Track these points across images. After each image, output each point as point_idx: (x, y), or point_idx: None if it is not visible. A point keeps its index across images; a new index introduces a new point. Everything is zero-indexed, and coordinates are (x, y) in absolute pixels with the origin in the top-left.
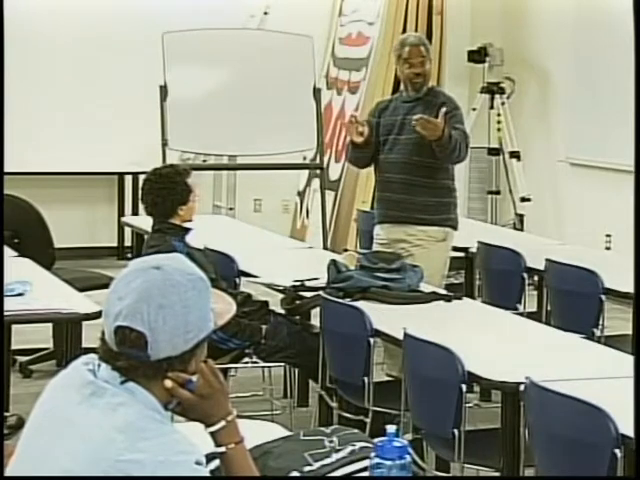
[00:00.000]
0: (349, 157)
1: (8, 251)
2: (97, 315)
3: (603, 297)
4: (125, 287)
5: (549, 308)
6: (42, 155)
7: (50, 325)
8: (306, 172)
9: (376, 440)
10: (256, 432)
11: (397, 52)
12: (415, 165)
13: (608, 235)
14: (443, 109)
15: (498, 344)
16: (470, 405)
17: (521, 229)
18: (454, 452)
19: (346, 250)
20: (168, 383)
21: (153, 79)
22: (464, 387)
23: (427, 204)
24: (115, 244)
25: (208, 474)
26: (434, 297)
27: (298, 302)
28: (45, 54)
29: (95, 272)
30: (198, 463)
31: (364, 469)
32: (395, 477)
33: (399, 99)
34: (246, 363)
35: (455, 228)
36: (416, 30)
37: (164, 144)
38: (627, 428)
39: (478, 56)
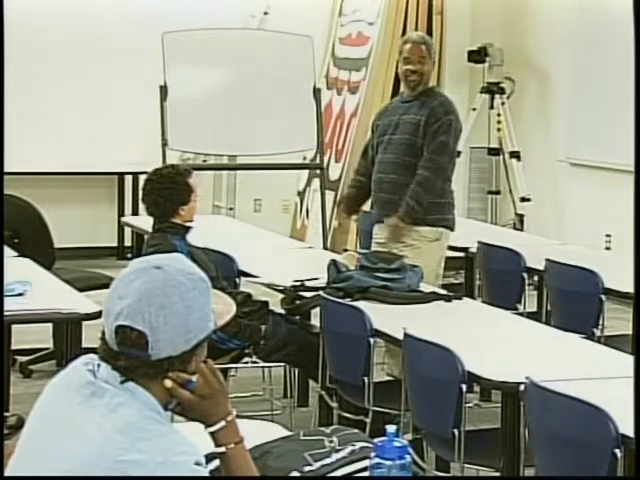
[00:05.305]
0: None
1: (8, 251)
2: (97, 315)
3: (603, 297)
4: (126, 287)
5: (549, 308)
6: (42, 155)
7: (50, 325)
8: (306, 172)
9: (376, 440)
10: (256, 432)
11: (400, 49)
12: (406, 165)
13: (608, 235)
14: (391, 220)
15: (498, 344)
16: (470, 405)
17: (521, 229)
18: (454, 452)
19: (346, 250)
20: (168, 383)
21: (153, 79)
22: (464, 387)
23: None
24: (115, 244)
25: (208, 474)
26: (434, 297)
27: (298, 302)
28: (45, 54)
29: (95, 272)
30: (198, 463)
31: (364, 469)
32: (395, 477)
33: (399, 100)
34: (246, 363)
35: (451, 229)
36: (416, 30)
37: (164, 144)
38: (627, 428)
39: (478, 56)
